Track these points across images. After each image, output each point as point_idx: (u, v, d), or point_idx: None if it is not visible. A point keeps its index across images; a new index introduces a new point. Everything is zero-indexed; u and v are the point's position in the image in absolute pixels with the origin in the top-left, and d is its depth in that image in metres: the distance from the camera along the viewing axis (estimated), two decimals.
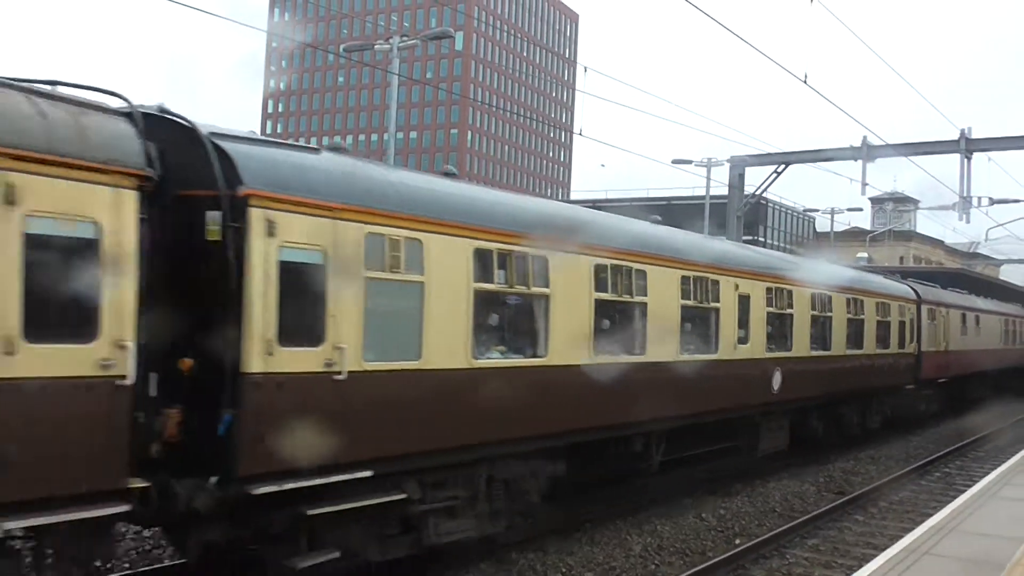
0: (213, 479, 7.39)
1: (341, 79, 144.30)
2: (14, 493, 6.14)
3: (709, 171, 44.30)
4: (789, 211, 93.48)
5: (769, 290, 16.20)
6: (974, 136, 29.41)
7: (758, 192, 34.88)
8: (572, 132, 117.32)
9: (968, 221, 32.77)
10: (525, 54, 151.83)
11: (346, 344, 8.12)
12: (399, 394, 8.78)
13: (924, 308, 25.24)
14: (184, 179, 7.37)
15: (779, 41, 32.34)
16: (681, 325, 13.35)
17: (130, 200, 6.78)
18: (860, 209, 61.40)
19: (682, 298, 13.28)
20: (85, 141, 6.59)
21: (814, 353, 18.04)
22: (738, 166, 34.27)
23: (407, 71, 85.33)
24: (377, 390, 8.54)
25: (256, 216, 7.51)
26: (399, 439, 8.76)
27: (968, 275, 44.41)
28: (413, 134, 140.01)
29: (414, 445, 8.96)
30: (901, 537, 10.22)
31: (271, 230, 7.59)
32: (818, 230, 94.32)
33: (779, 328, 16.76)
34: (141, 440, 6.98)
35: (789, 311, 17.00)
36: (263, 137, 9.33)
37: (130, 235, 6.77)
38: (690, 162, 44.73)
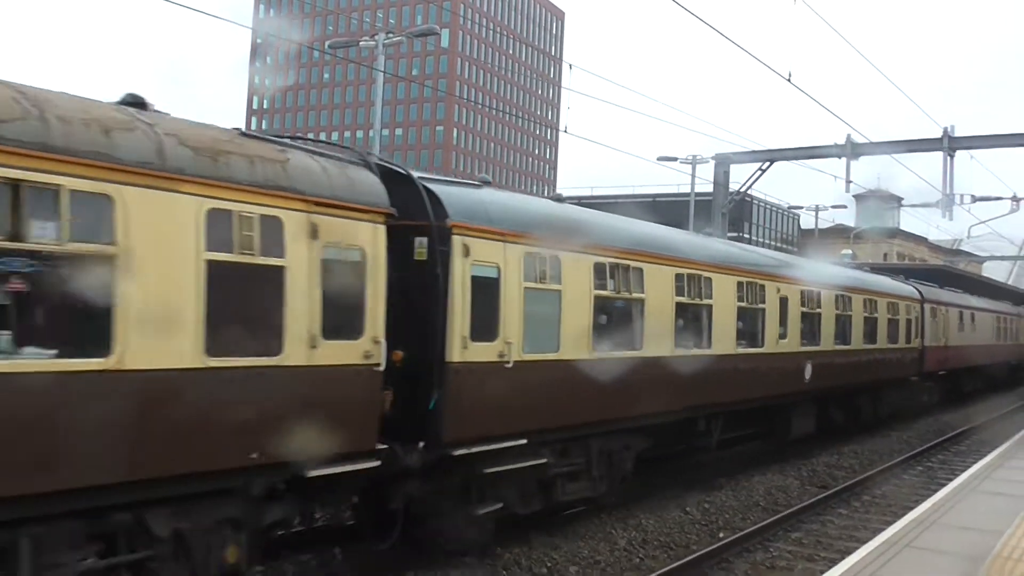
0: (421, 444, 9.39)
1: (327, 76, 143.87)
2: (316, 449, 8.02)
3: (694, 168, 44.48)
4: (774, 208, 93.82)
5: (802, 293, 18.54)
6: (957, 135, 29.56)
7: (743, 189, 34.97)
8: (558, 129, 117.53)
9: (951, 218, 32.99)
10: (511, 51, 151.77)
11: (512, 340, 10.40)
12: (544, 379, 10.99)
13: (927, 307, 27.44)
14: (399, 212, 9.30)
15: (764, 40, 32.36)
16: (736, 323, 15.66)
17: (381, 232, 8.90)
18: (844, 206, 61.73)
19: (738, 301, 15.71)
20: (354, 189, 8.77)
21: (838, 347, 20.29)
22: (723, 163, 34.30)
23: (393, 68, 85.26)
24: (531, 376, 10.74)
25: (457, 242, 9.74)
26: (542, 415, 10.91)
27: (965, 275, 46.06)
28: (399, 131, 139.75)
29: (551, 421, 11.11)
30: (883, 530, 10.31)
31: (466, 252, 9.84)
32: (803, 227, 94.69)
33: (809, 326, 18.98)
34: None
35: (818, 310, 19.34)
36: (445, 177, 11.44)
37: (382, 258, 8.88)
38: (675, 159, 44.93)
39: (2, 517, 6.27)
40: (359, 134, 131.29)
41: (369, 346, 8.73)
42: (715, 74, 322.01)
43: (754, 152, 33.86)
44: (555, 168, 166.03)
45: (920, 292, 27.40)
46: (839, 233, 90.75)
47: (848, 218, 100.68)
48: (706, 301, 14.51)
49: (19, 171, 6.22)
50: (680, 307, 13.81)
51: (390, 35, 29.38)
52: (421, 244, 9.64)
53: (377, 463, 8.87)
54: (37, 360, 6.40)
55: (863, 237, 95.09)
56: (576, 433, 11.79)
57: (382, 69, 27.98)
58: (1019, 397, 37.51)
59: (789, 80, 23.47)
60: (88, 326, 6.79)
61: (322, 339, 8.25)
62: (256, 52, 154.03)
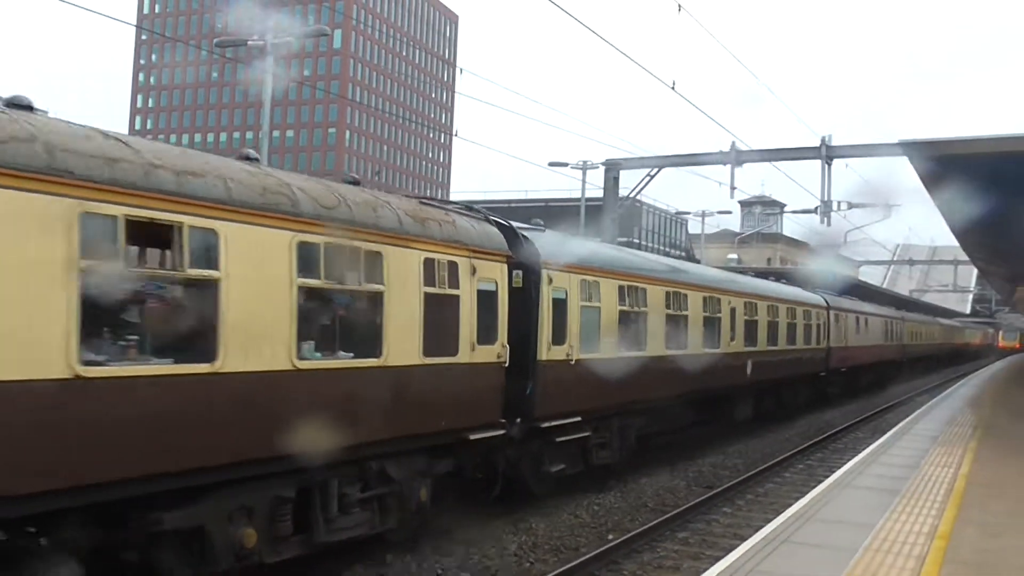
0: (518, 420, 12.73)
1: (215, 75, 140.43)
2: (471, 421, 11.71)
3: (584, 174, 45.06)
4: (662, 214, 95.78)
5: (746, 304, 22.91)
6: (834, 143, 30.67)
7: (632, 195, 35.59)
8: (451, 133, 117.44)
9: (829, 224, 34.14)
10: (405, 54, 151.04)
11: (574, 344, 14.15)
12: (590, 373, 14.47)
13: (832, 313, 31.73)
14: None
15: (649, 48, 33.00)
16: (702, 329, 19.88)
17: (505, 269, 12.55)
18: (730, 212, 63.48)
19: (703, 312, 19.93)
20: (491, 240, 12.42)
21: (769, 348, 24.64)
22: (612, 169, 34.77)
23: (284, 68, 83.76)
24: (584, 370, 14.33)
25: (544, 274, 13.43)
26: (588, 400, 14.59)
27: (861, 285, 50.48)
28: (290, 133, 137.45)
29: (593, 404, 14.77)
30: (763, 527, 10.62)
31: (549, 280, 13.58)
32: (690, 232, 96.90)
33: (751, 330, 23.22)
34: None
35: (756, 318, 23.60)
36: (527, 226, 14.55)
37: (505, 288, 12.51)
38: (566, 164, 45.40)
39: (320, 462, 9.09)
40: (248, 135, 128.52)
41: (500, 349, 12.28)
42: (605, 81, 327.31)
43: (643, 159, 34.48)
44: (448, 171, 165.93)
45: (826, 300, 31.39)
46: (725, 238, 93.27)
47: (733, 223, 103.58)
48: (683, 312, 18.67)
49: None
50: (668, 317, 17.92)
51: (280, 34, 28.80)
52: (518, 275, 13.00)
53: (503, 432, 12.29)
54: (343, 360, 9.78)
55: (748, 242, 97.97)
56: (605, 413, 15.45)
57: (271, 69, 27.43)
58: (893, 395, 39.39)
59: (673, 88, 24.05)
60: (368, 338, 10.04)
61: (477, 345, 11.79)
62: (140, 49, 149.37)
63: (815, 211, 33.53)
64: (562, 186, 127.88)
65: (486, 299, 11.98)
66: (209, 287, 8.10)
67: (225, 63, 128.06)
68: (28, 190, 6.71)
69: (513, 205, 67.78)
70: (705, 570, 9.08)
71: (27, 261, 6.72)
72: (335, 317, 9.87)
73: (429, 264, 10.84)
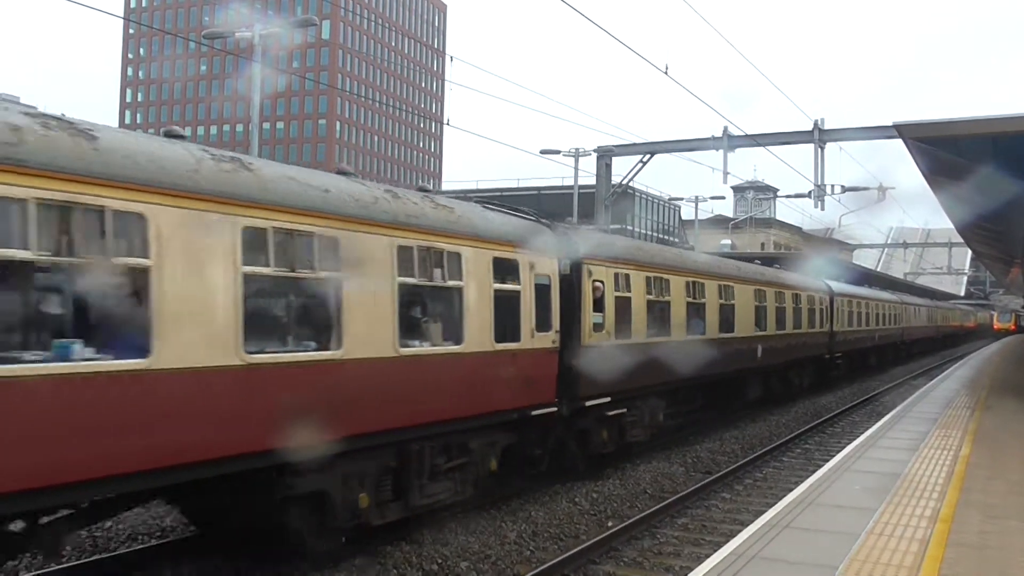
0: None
1: (204, 67, 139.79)
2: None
3: (577, 161, 44.94)
4: (656, 200, 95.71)
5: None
6: (827, 127, 30.60)
7: (625, 182, 35.46)
8: (442, 123, 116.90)
9: (823, 208, 34.11)
10: (394, 44, 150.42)
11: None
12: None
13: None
14: None
15: (641, 33, 32.86)
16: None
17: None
18: (723, 197, 63.37)
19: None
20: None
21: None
22: (605, 156, 34.68)
23: (272, 60, 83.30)
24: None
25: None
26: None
27: (863, 272, 52.03)
28: (280, 124, 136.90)
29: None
30: (764, 512, 10.57)
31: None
32: (684, 218, 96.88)
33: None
34: None
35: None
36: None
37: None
38: (558, 152, 45.24)
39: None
40: (239, 128, 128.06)
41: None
42: (596, 67, 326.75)
43: (635, 145, 34.38)
44: (440, 161, 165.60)
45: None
46: (718, 223, 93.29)
47: (727, 209, 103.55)
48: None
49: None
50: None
51: (268, 26, 28.64)
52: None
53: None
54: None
55: (741, 227, 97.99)
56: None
57: (259, 60, 27.24)
58: (891, 377, 39.45)
59: (666, 73, 23.94)
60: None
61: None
62: (128, 44, 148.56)
63: (809, 195, 33.51)
64: (554, 174, 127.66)
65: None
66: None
67: (214, 56, 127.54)
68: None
69: (505, 194, 67.62)
70: (707, 556, 9.04)
71: None
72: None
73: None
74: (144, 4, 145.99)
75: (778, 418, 24.97)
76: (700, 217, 64.22)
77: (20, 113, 7.13)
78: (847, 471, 12.70)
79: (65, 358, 6.99)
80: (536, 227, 14.09)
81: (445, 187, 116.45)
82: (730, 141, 31.40)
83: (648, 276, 17.33)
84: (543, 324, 13.45)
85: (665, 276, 18.14)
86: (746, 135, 31.73)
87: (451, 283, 11.38)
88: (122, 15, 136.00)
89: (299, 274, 9.07)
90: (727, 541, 9.43)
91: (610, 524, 12.77)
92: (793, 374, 29.11)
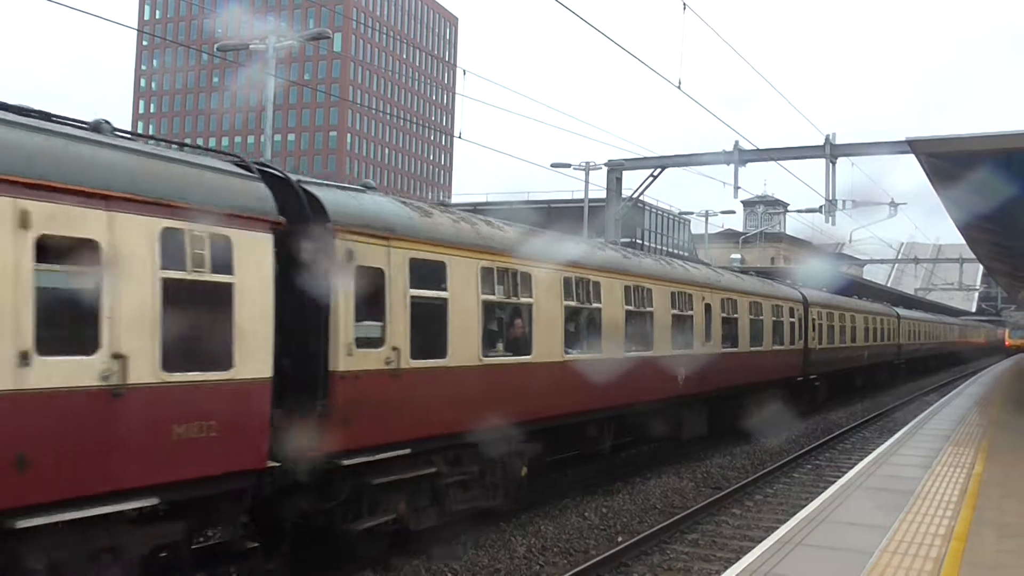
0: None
1: (216, 79, 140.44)
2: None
3: (587, 174, 44.83)
4: (665, 214, 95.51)
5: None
6: (838, 142, 30.49)
7: (635, 195, 35.41)
8: (452, 135, 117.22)
9: (834, 223, 33.92)
10: (405, 57, 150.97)
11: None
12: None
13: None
14: None
15: (654, 47, 32.71)
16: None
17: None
18: (733, 212, 63.36)
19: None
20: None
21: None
22: (615, 170, 34.63)
23: (285, 72, 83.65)
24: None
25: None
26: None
27: (855, 282, 49.14)
28: (292, 136, 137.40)
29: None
30: (776, 529, 10.49)
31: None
32: (693, 232, 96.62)
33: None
34: None
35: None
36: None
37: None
38: (569, 165, 45.16)
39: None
40: (251, 139, 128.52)
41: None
42: (608, 81, 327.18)
43: (646, 159, 34.30)
44: (450, 173, 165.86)
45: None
46: (729, 237, 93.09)
47: (737, 223, 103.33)
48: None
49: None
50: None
51: (281, 38, 28.76)
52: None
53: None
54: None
55: (751, 242, 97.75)
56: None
57: (273, 73, 27.34)
58: (900, 395, 39.21)
59: (679, 87, 23.92)
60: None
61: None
62: (141, 55, 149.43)
63: (819, 210, 33.35)
64: (565, 187, 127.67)
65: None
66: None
67: (226, 68, 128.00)
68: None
69: (516, 207, 67.60)
70: (717, 573, 8.97)
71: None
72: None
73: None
74: (158, 16, 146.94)
75: (788, 433, 24.78)
76: (710, 231, 64.12)
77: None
78: (859, 487, 12.61)
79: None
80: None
81: (455, 200, 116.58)
82: (741, 155, 31.28)
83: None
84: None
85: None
86: (757, 149, 31.65)
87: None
88: (136, 26, 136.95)
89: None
90: (738, 558, 9.37)
91: (620, 539, 12.70)
92: (751, 401, 22.80)
